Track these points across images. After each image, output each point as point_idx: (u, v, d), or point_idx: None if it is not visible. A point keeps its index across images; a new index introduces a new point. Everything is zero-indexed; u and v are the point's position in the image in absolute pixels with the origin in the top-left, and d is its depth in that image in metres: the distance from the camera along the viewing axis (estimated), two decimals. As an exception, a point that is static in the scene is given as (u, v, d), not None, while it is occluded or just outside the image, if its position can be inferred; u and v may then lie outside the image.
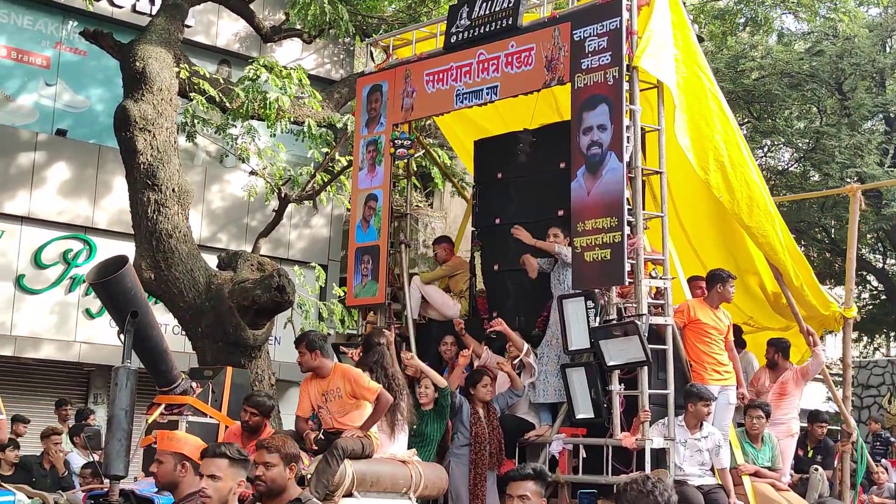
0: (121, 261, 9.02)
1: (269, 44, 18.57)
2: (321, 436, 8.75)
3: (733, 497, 9.78)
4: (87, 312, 19.78)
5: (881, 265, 27.15)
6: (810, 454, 11.52)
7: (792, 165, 24.97)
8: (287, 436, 6.75)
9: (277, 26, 16.86)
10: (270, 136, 16.44)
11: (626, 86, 9.81)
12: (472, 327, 11.30)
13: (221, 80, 15.50)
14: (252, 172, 18.31)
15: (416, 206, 19.02)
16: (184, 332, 13.27)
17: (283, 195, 16.69)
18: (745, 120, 23.55)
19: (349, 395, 8.71)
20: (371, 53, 12.47)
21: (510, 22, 10.79)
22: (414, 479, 8.98)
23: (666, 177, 10.20)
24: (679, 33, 10.33)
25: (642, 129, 10.00)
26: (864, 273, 26.30)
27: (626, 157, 9.72)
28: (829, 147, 20.54)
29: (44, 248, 19.27)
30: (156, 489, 7.83)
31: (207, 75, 14.80)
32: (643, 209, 9.85)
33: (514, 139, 11.50)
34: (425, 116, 12.37)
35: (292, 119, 14.95)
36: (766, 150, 25.92)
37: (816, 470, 11.26)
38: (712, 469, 9.85)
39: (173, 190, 12.57)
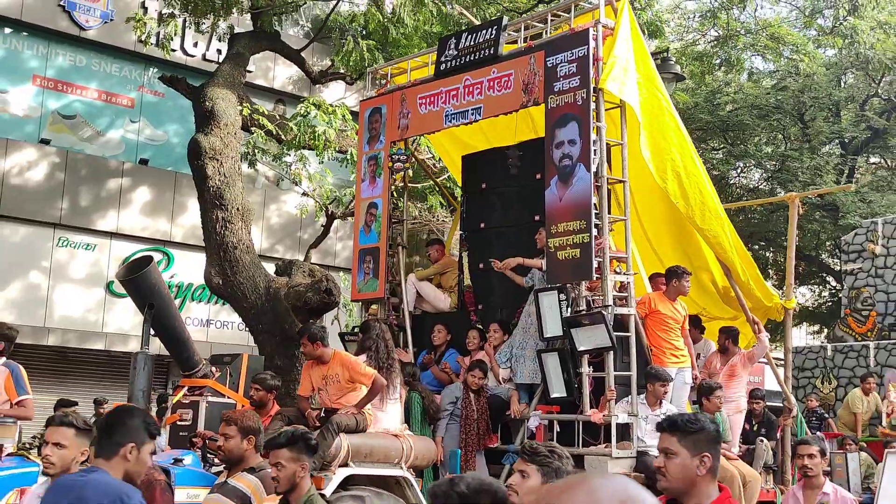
0: (146, 261, 8.60)
1: (317, 85, 18.64)
2: (322, 413, 8.23)
3: None
4: None
5: (838, 268, 27.45)
6: (755, 428, 10.97)
7: (761, 184, 24.89)
8: (253, 412, 6.46)
9: (325, 70, 16.93)
10: (319, 163, 16.90)
11: (592, 105, 9.42)
12: (460, 318, 11.03)
13: (277, 117, 15.98)
14: (304, 194, 18.83)
15: (443, 220, 18.73)
16: (247, 329, 13.65)
17: (329, 213, 17.60)
18: (721, 145, 23.67)
19: (347, 380, 8.30)
20: (371, 79, 11.93)
21: (492, 52, 10.43)
22: (405, 450, 8.54)
23: (628, 185, 9.77)
24: (639, 59, 9.89)
25: (607, 143, 9.58)
26: (824, 275, 26.40)
27: (594, 168, 9.34)
28: (793, 168, 20.63)
29: (129, 258, 18.89)
30: (172, 461, 7.40)
31: (266, 112, 15.26)
32: (608, 213, 9.47)
33: (497, 154, 11.30)
34: (418, 135, 11.87)
35: (337, 148, 15.18)
36: (739, 170, 26.08)
37: (762, 441, 10.89)
38: (670, 441, 9.24)
39: (237, 209, 12.73)
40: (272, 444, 5.13)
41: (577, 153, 9.39)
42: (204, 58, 20.07)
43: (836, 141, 22.64)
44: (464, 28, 12.19)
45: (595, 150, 9.36)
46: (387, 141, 11.40)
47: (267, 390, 8.77)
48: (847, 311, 15.48)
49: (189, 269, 19.78)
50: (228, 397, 9.28)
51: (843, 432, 12.74)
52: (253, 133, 15.01)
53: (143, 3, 16.97)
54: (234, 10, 13.94)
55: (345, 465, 7.99)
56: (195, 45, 20.15)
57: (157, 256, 19.01)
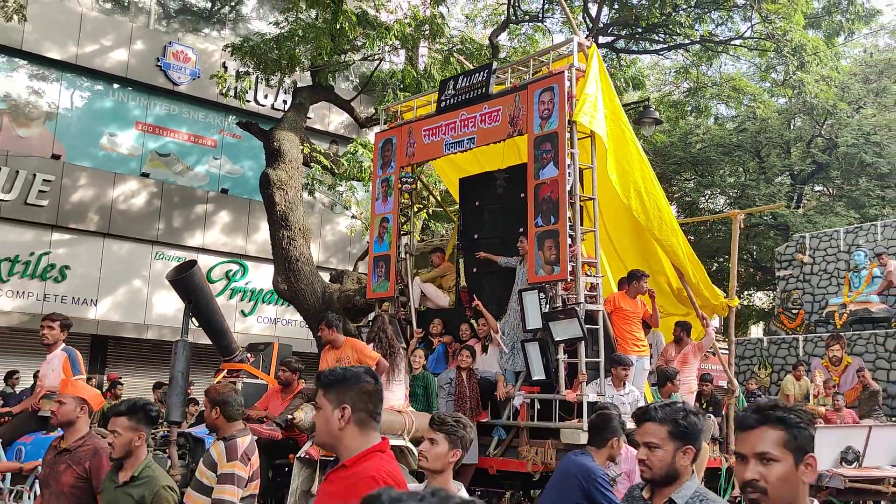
0: (191, 264, 8.60)
1: (363, 128, 18.74)
2: None
3: None
4: (242, 312, 20.53)
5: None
6: (704, 406, 10.97)
7: (725, 208, 24.72)
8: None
9: (370, 117, 17.10)
10: (364, 191, 17.30)
11: (567, 135, 9.41)
12: (457, 313, 11.02)
13: (331, 154, 16.36)
14: (353, 216, 19.16)
15: (441, 236, 19.27)
16: (307, 325, 14.18)
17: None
18: (692, 177, 23.80)
19: (356, 361, 8.23)
20: (384, 115, 12.04)
21: (483, 91, 10.48)
22: (407, 424, 8.50)
23: (597, 202, 9.82)
24: (606, 97, 9.91)
25: (580, 167, 9.58)
26: (776, 282, 26.32)
27: (568, 188, 9.32)
28: (752, 195, 20.82)
29: (213, 269, 19.97)
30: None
31: (322, 151, 15.81)
32: (581, 226, 9.45)
33: (488, 177, 11.30)
34: (423, 161, 11.85)
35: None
36: (707, 197, 26.16)
37: (709, 417, 10.76)
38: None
39: (299, 229, 13.17)
40: (114, 412, 4.73)
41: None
42: (272, 107, 20.47)
43: (787, 173, 22.75)
44: (460, 72, 12.24)
45: (569, 173, 9.34)
46: (397, 166, 11.41)
47: (292, 372, 8.80)
48: (780, 309, 15.51)
49: (261, 277, 20.26)
50: (261, 378, 9.29)
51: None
52: (312, 167, 15.35)
53: (224, 63, 17.31)
54: (296, 69, 14.30)
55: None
56: (265, 96, 20.61)
57: (234, 267, 20.25)
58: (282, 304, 20.11)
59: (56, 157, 18.49)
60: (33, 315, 16.65)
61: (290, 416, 7.83)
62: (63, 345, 7.80)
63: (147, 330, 19.16)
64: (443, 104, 10.89)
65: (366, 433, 2.96)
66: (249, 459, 5.10)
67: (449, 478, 4.02)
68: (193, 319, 8.66)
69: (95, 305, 18.66)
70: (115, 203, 18.91)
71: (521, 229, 10.04)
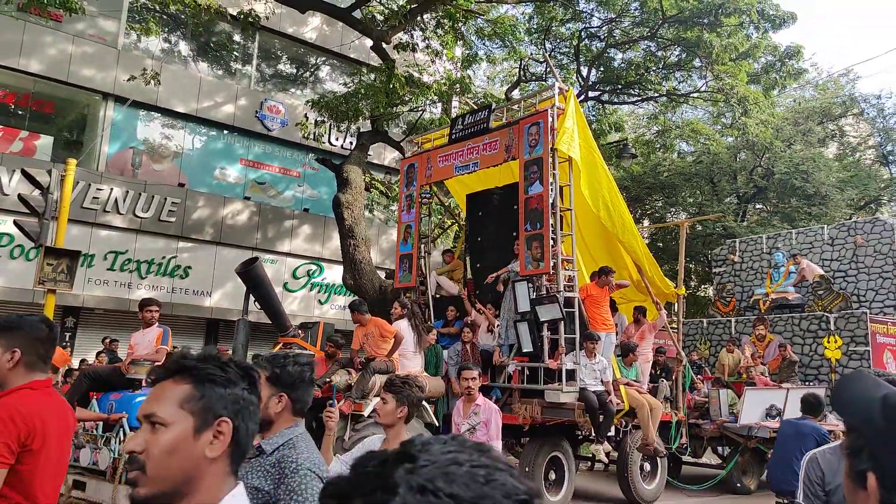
0: (254, 259, 7.63)
1: None
2: (363, 359, 7.19)
3: (613, 397, 8.31)
4: (319, 301, 19.35)
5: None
6: (658, 373, 9.79)
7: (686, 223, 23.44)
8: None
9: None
10: None
11: (550, 160, 8.45)
12: (463, 300, 9.93)
13: (386, 182, 16.08)
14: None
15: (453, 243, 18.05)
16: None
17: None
18: (660, 198, 22.66)
19: (379, 336, 7.35)
20: (407, 145, 11.08)
21: (485, 126, 9.53)
22: (422, 385, 7.40)
23: (574, 212, 8.78)
24: (581, 129, 8.90)
25: (560, 184, 8.60)
26: (713, 276, 25.12)
27: (550, 201, 8.40)
28: (707, 212, 19.62)
29: (297, 268, 18.94)
30: None
31: (379, 180, 15.52)
32: (560, 230, 8.51)
33: (489, 193, 10.38)
34: (438, 180, 10.78)
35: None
36: (672, 213, 25.07)
37: (662, 381, 9.70)
38: (602, 382, 8.17)
39: (362, 238, 12.57)
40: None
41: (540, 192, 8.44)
42: (342, 147, 19.60)
43: (734, 195, 21.69)
44: (467, 111, 11.23)
45: (552, 189, 8.39)
46: (418, 185, 10.47)
47: (335, 346, 7.84)
48: (716, 298, 14.22)
49: (333, 275, 19.18)
50: (310, 350, 8.29)
51: (716, 376, 11.54)
52: (371, 192, 15.01)
53: (306, 115, 16.41)
54: (360, 118, 13.77)
55: (378, 395, 6.99)
56: (337, 139, 19.82)
57: (313, 268, 19.14)
58: (350, 295, 19.11)
59: (181, 185, 17.95)
60: (164, 304, 15.86)
61: (328, 379, 6.83)
62: (158, 323, 6.90)
63: (249, 315, 18.33)
64: (453, 136, 9.95)
65: (31, 374, 2.32)
66: None
67: (401, 430, 3.27)
68: (256, 303, 7.68)
69: (210, 296, 17.94)
70: (224, 219, 18.34)
71: (514, 234, 9.05)
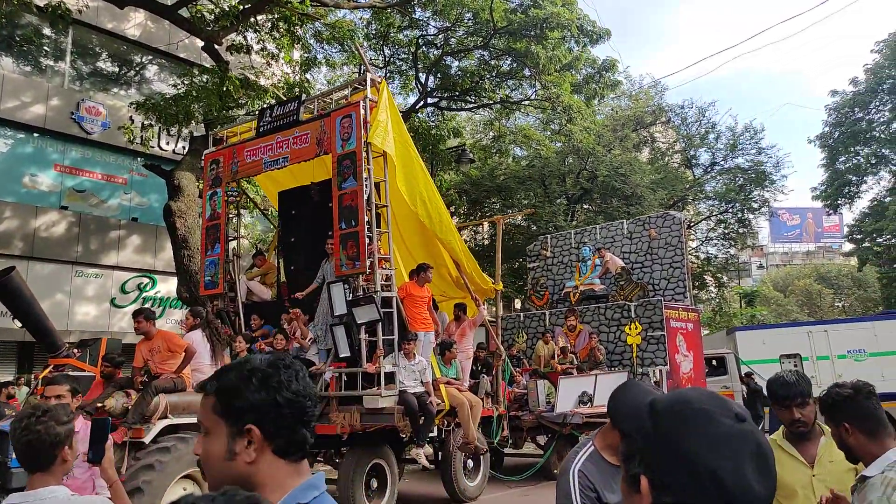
0: (9, 269, 6.37)
1: None
2: (145, 378, 6.29)
3: (433, 397, 8.15)
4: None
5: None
6: (479, 368, 9.84)
7: (522, 223, 24.05)
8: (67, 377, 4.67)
9: None
10: (250, 216, 16.14)
11: (364, 154, 8.05)
12: (276, 305, 9.31)
13: None
14: (242, 236, 16.26)
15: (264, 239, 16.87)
16: None
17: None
18: (498, 200, 22.91)
19: (166, 350, 6.46)
20: (212, 139, 10.10)
21: (294, 118, 8.90)
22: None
23: (390, 209, 8.45)
24: (395, 123, 8.60)
25: (375, 180, 8.20)
26: (527, 271, 26.21)
27: (365, 197, 7.97)
28: (540, 213, 20.26)
29: (126, 282, 17.28)
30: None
31: None
32: (377, 228, 8.10)
33: (302, 190, 9.76)
34: (246, 177, 9.92)
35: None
36: (507, 213, 25.14)
37: (483, 377, 9.73)
38: (423, 382, 7.97)
39: (197, 249, 11.51)
40: None
41: (354, 187, 8.00)
42: (174, 151, 17.87)
43: (564, 196, 22.62)
44: (274, 102, 10.53)
45: (366, 185, 7.98)
46: (223, 181, 9.53)
47: (113, 365, 6.73)
48: (531, 291, 14.81)
49: (168, 288, 17.49)
50: (88, 371, 7.11)
51: (534, 367, 11.93)
52: None
53: (130, 117, 14.49)
54: (192, 122, 12.66)
55: (164, 417, 6.13)
56: (167, 143, 17.95)
57: (145, 280, 17.37)
58: (185, 308, 17.29)
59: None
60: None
61: (99, 404, 5.84)
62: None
63: (70, 335, 15.94)
64: (261, 129, 9.18)
65: None
66: None
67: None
68: (14, 320, 6.40)
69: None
70: (37, 231, 16.06)
71: (330, 233, 8.55)
